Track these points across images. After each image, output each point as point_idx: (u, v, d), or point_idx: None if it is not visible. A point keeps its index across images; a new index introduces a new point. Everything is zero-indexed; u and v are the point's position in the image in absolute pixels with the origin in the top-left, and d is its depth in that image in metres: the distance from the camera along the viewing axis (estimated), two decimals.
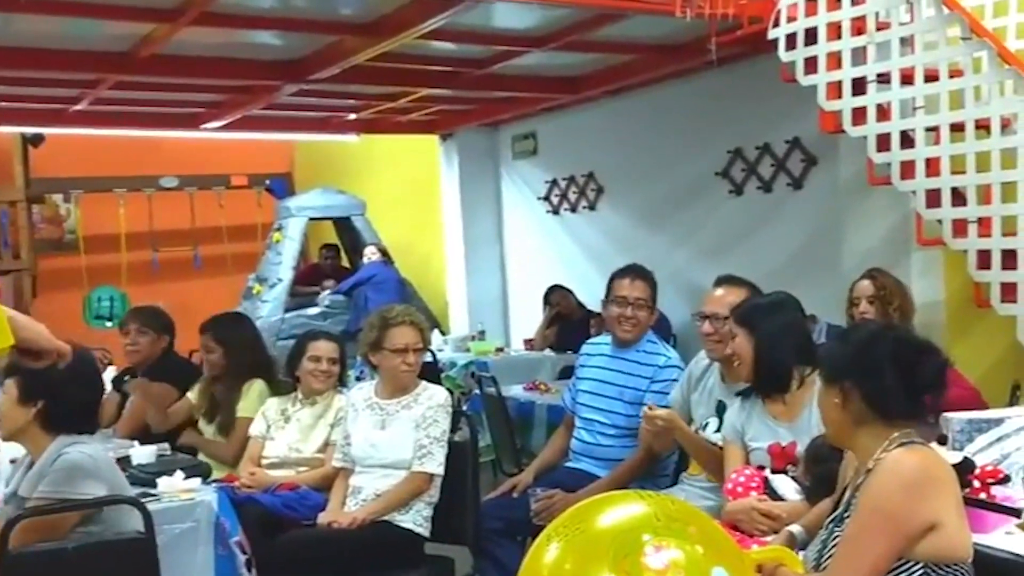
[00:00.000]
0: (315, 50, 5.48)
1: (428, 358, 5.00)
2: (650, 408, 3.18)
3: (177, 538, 2.85)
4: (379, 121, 7.89)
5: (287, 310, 8.07)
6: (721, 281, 3.26)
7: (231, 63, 5.64)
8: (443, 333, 7.71)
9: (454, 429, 3.43)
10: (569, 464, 3.70)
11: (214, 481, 3.30)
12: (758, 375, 2.79)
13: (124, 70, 5.45)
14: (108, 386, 4.36)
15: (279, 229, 8.63)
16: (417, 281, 8.46)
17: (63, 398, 2.62)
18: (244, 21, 4.86)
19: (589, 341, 3.97)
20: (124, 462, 3.35)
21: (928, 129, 4.15)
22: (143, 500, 2.70)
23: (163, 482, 3.07)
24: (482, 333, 7.48)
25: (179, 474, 3.11)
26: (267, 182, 10.26)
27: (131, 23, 4.78)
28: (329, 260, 9.11)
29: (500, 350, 7.12)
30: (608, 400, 3.61)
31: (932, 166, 4.13)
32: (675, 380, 3.50)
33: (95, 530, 2.55)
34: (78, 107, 6.55)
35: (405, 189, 9.29)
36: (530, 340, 7.16)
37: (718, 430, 3.09)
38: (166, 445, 3.59)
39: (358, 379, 5.51)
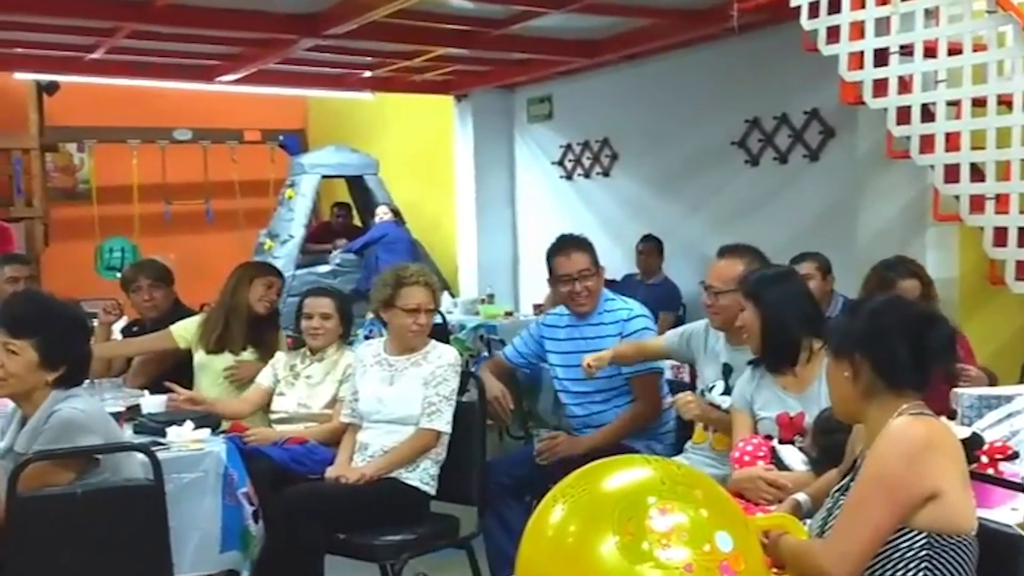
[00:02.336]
0: (333, 4, 5.44)
1: (437, 320, 5.00)
2: (588, 365, 3.28)
3: (185, 487, 2.87)
4: (394, 79, 7.84)
5: (298, 267, 8.07)
6: (723, 252, 3.23)
7: (248, 15, 5.61)
8: (452, 295, 7.72)
9: (463, 390, 3.44)
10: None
11: (222, 432, 3.32)
12: (766, 348, 2.79)
13: (141, 18, 5.42)
14: (118, 336, 4.42)
15: (292, 185, 8.61)
16: (427, 242, 8.46)
17: (79, 360, 2.64)
18: None
19: (549, 312, 3.92)
20: (134, 411, 3.39)
21: (949, 103, 4.11)
22: (152, 448, 2.71)
23: (172, 431, 3.10)
24: (491, 296, 7.48)
25: (188, 424, 3.13)
26: (280, 138, 10.24)
27: None
28: (341, 219, 9.10)
29: (509, 314, 7.12)
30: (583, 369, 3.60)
31: (952, 141, 4.09)
32: (646, 328, 3.53)
33: (93, 482, 2.55)
34: (94, 55, 6.53)
35: (418, 149, 9.25)
36: (540, 305, 7.15)
37: (725, 392, 3.11)
38: (174, 395, 3.60)
39: (367, 338, 5.53)
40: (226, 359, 3.90)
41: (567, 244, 3.64)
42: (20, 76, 8.09)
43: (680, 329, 3.47)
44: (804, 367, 2.74)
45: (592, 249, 3.64)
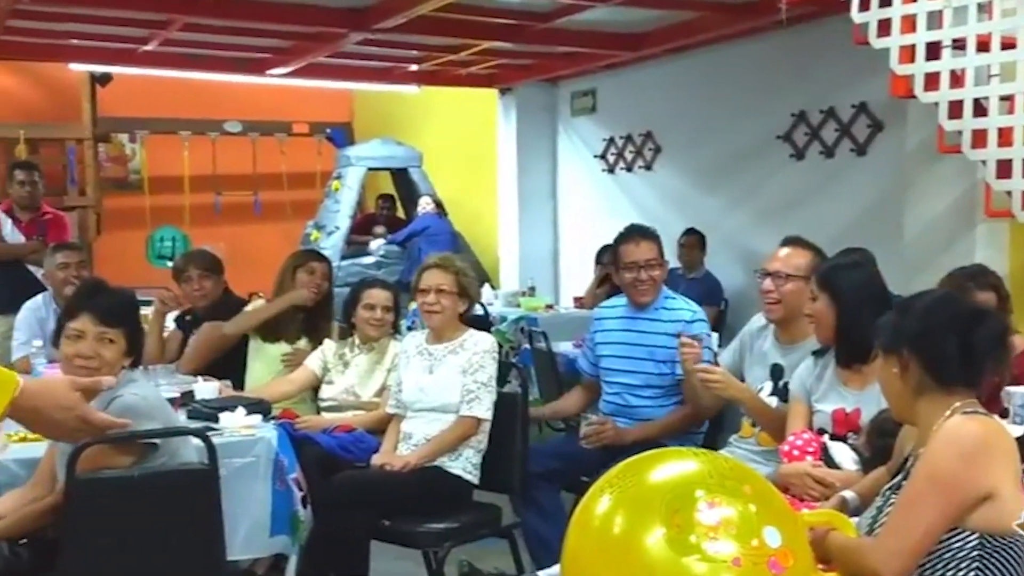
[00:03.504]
0: None
1: (479, 311, 5.03)
2: (681, 340, 3.17)
3: (237, 472, 2.92)
4: (440, 73, 7.88)
5: (343, 258, 8.17)
6: (788, 242, 3.19)
7: (299, 9, 5.68)
8: (493, 287, 7.75)
9: (505, 381, 3.47)
10: None
11: (273, 418, 3.40)
12: (840, 342, 2.71)
13: (195, 11, 5.52)
14: (171, 325, 4.52)
15: (338, 178, 8.71)
16: (469, 235, 8.50)
17: (142, 347, 2.76)
18: None
19: (602, 304, 3.93)
20: (187, 396, 3.47)
21: (1002, 98, 4.04)
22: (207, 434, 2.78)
23: (225, 417, 3.16)
24: (532, 289, 7.51)
25: (240, 410, 3.20)
26: (327, 131, 10.35)
27: None
28: (385, 210, 9.18)
29: (550, 307, 7.15)
30: (637, 362, 3.61)
31: (1004, 136, 4.02)
32: (706, 333, 3.49)
33: (150, 466, 2.60)
34: (147, 47, 6.65)
35: (462, 142, 9.29)
36: (580, 298, 7.17)
37: (773, 393, 3.07)
38: (228, 381, 3.69)
39: (409, 328, 5.59)
40: (281, 347, 3.99)
41: (636, 232, 3.66)
42: (75, 67, 8.24)
43: (731, 346, 3.42)
44: (869, 364, 2.61)
45: (660, 241, 3.67)
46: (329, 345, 3.84)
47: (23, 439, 2.92)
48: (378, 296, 3.76)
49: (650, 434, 3.46)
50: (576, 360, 4.12)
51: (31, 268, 5.33)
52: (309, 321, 4.02)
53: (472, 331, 3.49)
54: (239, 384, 3.85)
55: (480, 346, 3.41)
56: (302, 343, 3.99)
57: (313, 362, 3.80)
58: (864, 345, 2.60)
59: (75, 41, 6.79)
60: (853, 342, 2.67)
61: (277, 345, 3.99)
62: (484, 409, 3.32)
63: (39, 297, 4.59)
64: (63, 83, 9.14)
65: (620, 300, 3.77)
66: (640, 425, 3.51)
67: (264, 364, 3.98)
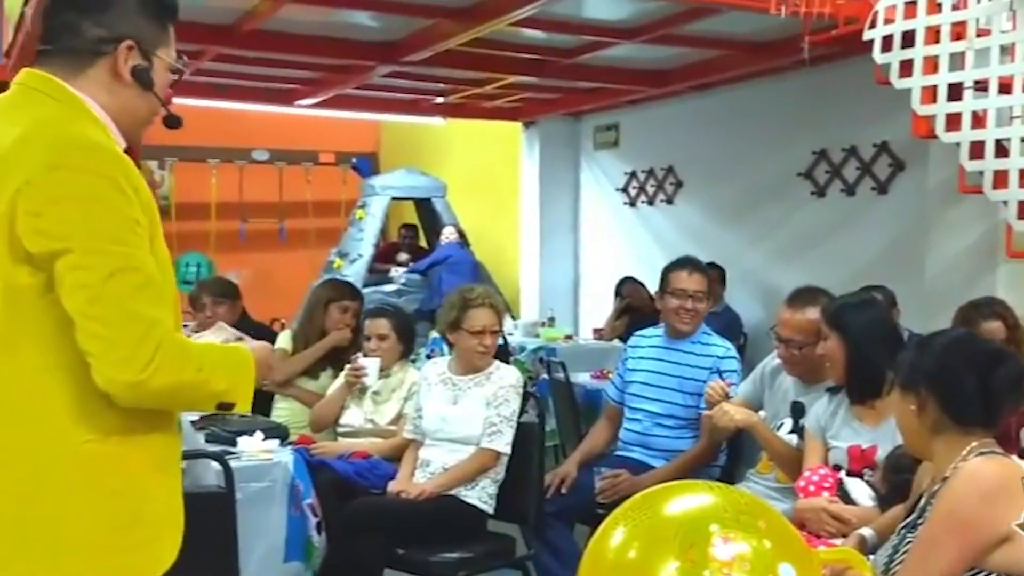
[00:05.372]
0: (410, 32, 5.57)
1: (499, 342, 5.05)
2: (717, 386, 3.18)
3: (253, 496, 2.93)
4: (465, 106, 7.97)
5: (365, 285, 8.21)
6: (794, 299, 3.13)
7: (329, 42, 5.76)
8: (514, 317, 7.77)
9: (522, 411, 3.48)
10: (620, 453, 3.73)
11: (290, 444, 3.42)
12: (851, 379, 2.73)
13: (227, 43, 5.61)
14: None
15: (362, 206, 8.79)
16: (491, 265, 8.53)
17: None
18: (345, 1, 4.97)
19: (637, 333, 3.97)
20: (206, 419, 3.50)
21: None
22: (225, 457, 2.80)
23: (243, 441, 3.17)
24: (552, 320, 7.52)
25: (258, 434, 3.21)
26: (353, 160, 10.44)
27: None
28: (407, 240, 9.25)
29: (569, 337, 7.15)
30: (666, 391, 3.63)
31: None
32: (735, 371, 3.52)
33: None
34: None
35: (485, 174, 9.36)
36: (599, 330, 7.18)
37: (792, 431, 3.06)
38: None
39: (428, 356, 5.60)
40: (304, 382, 4.03)
41: (689, 263, 3.74)
42: None
43: (749, 377, 3.41)
44: (883, 400, 2.62)
45: (711, 278, 3.76)
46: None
47: None
48: (371, 326, 3.78)
49: (666, 476, 3.44)
50: (603, 389, 4.14)
51: None
52: (333, 353, 4.06)
53: (498, 363, 3.50)
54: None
55: (506, 380, 3.41)
56: (324, 377, 4.03)
57: (335, 387, 3.82)
58: (875, 382, 2.61)
59: None
60: (864, 379, 2.68)
61: (300, 379, 4.04)
62: (504, 443, 3.33)
63: None
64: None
65: (656, 330, 3.82)
66: (652, 473, 3.47)
67: (288, 401, 4.03)
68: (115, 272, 1.47)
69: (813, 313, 3.03)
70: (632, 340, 3.92)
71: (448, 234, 8.27)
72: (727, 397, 3.24)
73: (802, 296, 3.12)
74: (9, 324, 1.51)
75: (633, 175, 7.78)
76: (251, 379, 1.67)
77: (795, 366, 3.10)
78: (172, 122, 1.79)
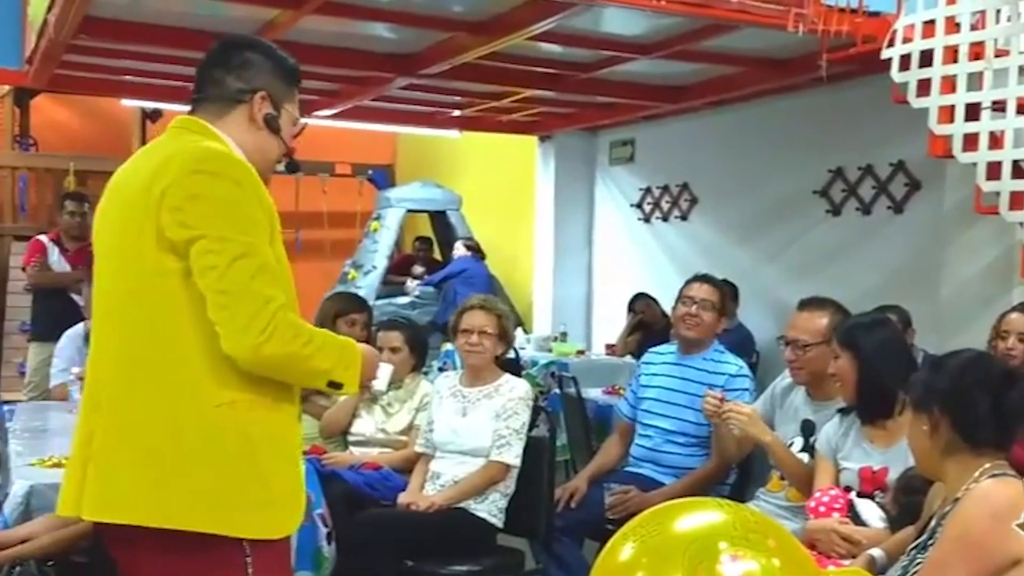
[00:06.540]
0: (428, 45, 5.60)
1: (511, 355, 5.06)
2: (711, 397, 3.16)
3: None
4: (481, 119, 8.00)
5: (378, 297, 8.25)
6: (804, 304, 3.18)
7: (348, 53, 5.80)
8: (526, 332, 7.77)
9: (533, 425, 3.48)
10: (630, 469, 3.73)
11: (302, 453, 3.41)
12: (862, 399, 2.72)
13: None
14: None
15: (378, 218, 8.83)
16: (504, 278, 8.55)
17: None
18: (364, 13, 5.00)
19: (652, 350, 3.97)
20: None
21: None
22: None
23: None
24: (564, 335, 7.51)
25: None
26: (369, 172, 10.49)
27: (257, 7, 4.93)
28: (422, 252, 9.27)
29: (581, 352, 7.15)
30: (677, 408, 3.63)
31: None
32: (747, 389, 3.51)
33: None
34: None
35: (500, 187, 9.38)
36: (612, 345, 7.17)
37: (803, 449, 3.05)
38: None
39: (441, 369, 5.61)
40: (316, 396, 4.03)
41: (704, 276, 3.80)
42: (127, 103, 8.48)
43: (762, 396, 3.42)
44: (896, 421, 2.64)
45: (723, 293, 3.77)
46: None
47: (57, 464, 2.97)
48: (384, 338, 3.78)
49: (676, 494, 3.43)
50: (614, 406, 4.14)
51: (75, 297, 5.46)
52: None
53: (508, 376, 3.52)
54: None
55: (515, 392, 3.43)
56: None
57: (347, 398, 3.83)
58: (886, 402, 2.62)
59: (129, 78, 6.99)
60: (875, 399, 2.68)
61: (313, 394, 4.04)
62: (514, 455, 3.33)
63: (80, 325, 4.69)
64: (114, 117, 9.38)
65: (670, 347, 3.85)
66: (662, 490, 3.47)
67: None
68: (238, 257, 1.79)
69: (822, 317, 3.05)
70: (646, 356, 3.93)
71: (462, 248, 8.28)
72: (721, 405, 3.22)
73: (813, 302, 3.17)
74: (161, 303, 1.82)
75: (648, 191, 7.78)
76: (356, 366, 1.93)
77: (800, 371, 3.08)
78: (292, 167, 2.20)
